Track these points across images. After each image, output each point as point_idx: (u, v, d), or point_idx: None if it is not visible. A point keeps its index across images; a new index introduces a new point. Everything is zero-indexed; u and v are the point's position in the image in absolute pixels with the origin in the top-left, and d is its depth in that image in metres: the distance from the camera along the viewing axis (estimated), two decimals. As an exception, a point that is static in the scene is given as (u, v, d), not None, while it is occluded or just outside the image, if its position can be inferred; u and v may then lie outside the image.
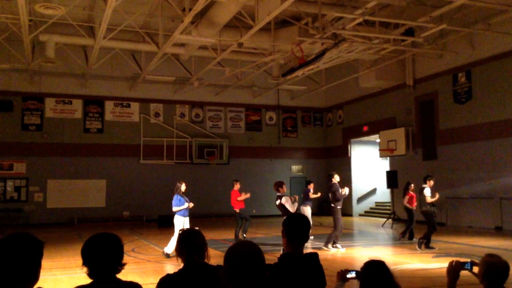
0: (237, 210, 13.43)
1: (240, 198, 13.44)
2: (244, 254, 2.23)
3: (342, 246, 11.39)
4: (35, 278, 2.06)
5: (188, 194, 10.88)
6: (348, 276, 2.91)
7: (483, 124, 15.84)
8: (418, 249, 11.04)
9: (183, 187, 10.69)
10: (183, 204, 10.52)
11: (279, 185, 10.92)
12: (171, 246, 10.25)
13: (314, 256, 3.01)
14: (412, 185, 13.56)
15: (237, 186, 13.71)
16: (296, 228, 2.98)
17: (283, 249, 3.75)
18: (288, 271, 2.85)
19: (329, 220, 13.62)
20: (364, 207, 23.31)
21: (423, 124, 18.67)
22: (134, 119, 21.59)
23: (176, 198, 10.60)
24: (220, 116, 23.25)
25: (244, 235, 13.22)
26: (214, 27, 14.42)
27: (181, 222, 10.53)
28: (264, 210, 21.78)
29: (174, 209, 10.55)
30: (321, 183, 21.50)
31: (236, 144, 23.17)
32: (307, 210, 13.89)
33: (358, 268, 2.81)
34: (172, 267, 9.18)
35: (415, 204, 12.97)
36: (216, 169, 22.31)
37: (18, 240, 2.06)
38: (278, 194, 10.79)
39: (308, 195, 14.13)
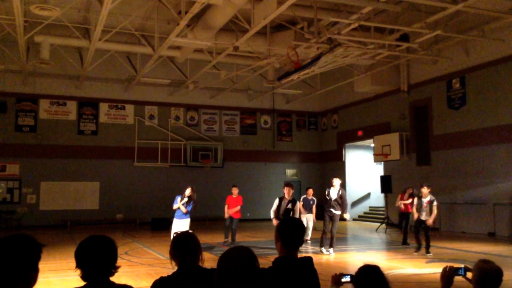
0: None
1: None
2: (238, 259, 2.24)
3: (326, 250, 11.43)
4: (31, 282, 2.02)
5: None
6: (343, 280, 2.91)
7: (477, 130, 15.93)
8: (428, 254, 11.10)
9: (187, 192, 10.78)
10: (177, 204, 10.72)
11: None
12: None
13: (308, 260, 3.01)
14: (409, 189, 13.89)
15: (236, 191, 13.64)
16: (290, 232, 2.98)
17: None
18: (282, 275, 2.84)
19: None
20: (358, 212, 23.34)
21: (417, 130, 18.75)
22: (129, 122, 21.52)
23: (176, 198, 10.82)
24: (215, 119, 23.24)
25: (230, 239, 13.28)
26: (210, 30, 14.44)
27: (175, 225, 10.55)
28: (258, 214, 21.74)
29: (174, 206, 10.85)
30: (316, 187, 21.52)
31: (230, 147, 23.15)
32: (310, 217, 13.93)
33: (353, 273, 2.81)
34: (165, 270, 9.14)
35: (410, 209, 13.14)
36: (211, 172, 22.27)
37: (15, 242, 2.03)
38: None
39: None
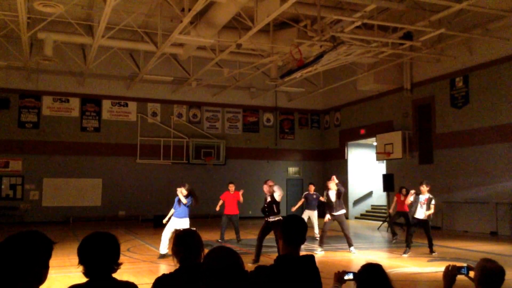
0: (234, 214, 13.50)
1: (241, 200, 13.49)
2: (224, 258, 2.29)
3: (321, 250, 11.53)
4: (42, 279, 2.02)
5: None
6: (346, 278, 2.91)
7: (480, 129, 15.89)
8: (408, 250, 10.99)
9: (184, 191, 10.64)
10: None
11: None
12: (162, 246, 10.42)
13: (310, 258, 3.01)
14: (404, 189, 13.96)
15: (232, 188, 13.73)
16: (292, 230, 2.98)
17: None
18: (284, 272, 2.84)
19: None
20: (360, 210, 23.33)
21: (420, 128, 18.72)
22: (132, 119, 21.55)
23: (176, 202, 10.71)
24: (217, 116, 23.24)
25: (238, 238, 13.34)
26: (213, 27, 14.43)
27: (173, 223, 10.45)
28: (260, 212, 21.74)
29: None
30: (319, 186, 21.51)
31: (233, 145, 23.16)
32: (312, 214, 14.24)
33: (355, 270, 2.81)
34: (167, 267, 9.16)
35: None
36: (213, 170, 22.29)
37: (27, 238, 2.02)
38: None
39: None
